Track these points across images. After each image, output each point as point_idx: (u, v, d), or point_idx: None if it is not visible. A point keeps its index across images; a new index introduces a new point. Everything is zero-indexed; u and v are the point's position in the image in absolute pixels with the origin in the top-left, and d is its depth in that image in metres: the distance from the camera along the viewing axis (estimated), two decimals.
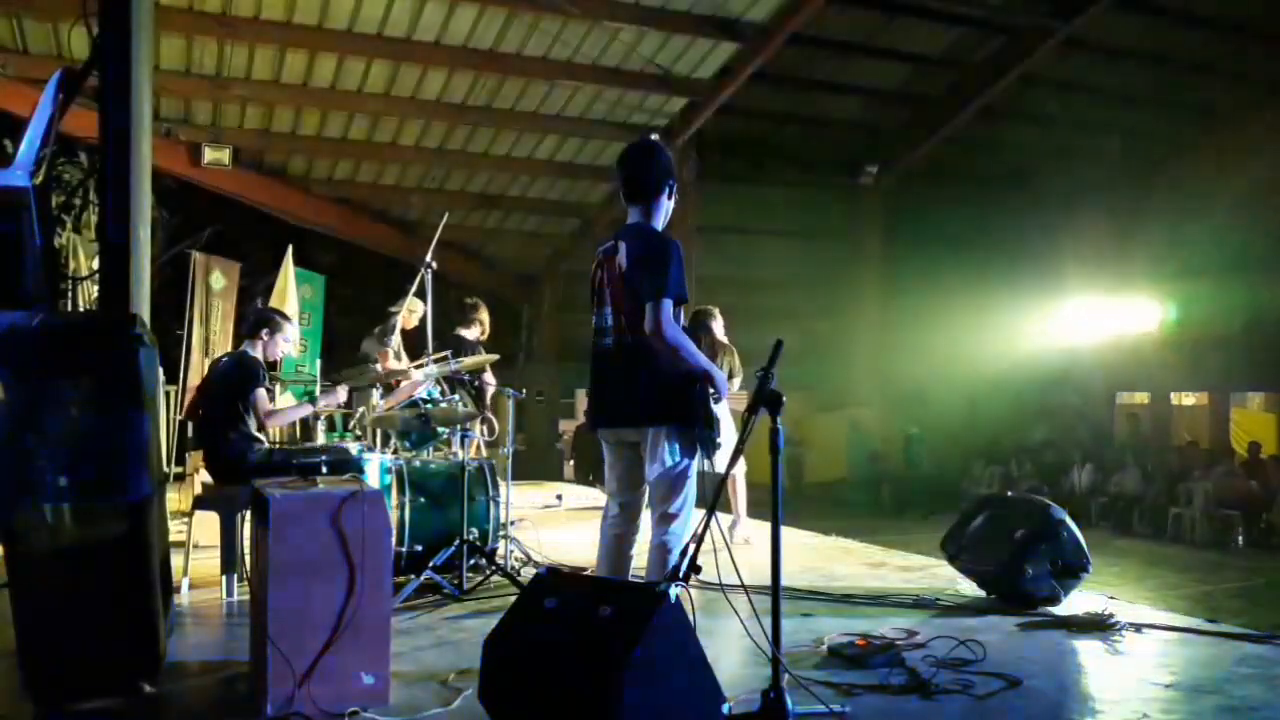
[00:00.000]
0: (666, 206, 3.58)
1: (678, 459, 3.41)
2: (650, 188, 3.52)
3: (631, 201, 3.58)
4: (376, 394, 6.65)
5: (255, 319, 5.24)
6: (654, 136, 3.84)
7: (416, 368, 5.88)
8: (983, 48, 12.87)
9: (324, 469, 4.60)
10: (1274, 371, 15.57)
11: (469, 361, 5.63)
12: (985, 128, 14.37)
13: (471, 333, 7.26)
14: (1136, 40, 12.78)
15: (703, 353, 3.59)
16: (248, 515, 4.17)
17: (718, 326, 6.40)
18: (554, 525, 7.47)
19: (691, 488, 3.47)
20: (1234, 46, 13.28)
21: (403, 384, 5.91)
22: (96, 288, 3.94)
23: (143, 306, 3.86)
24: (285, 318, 5.34)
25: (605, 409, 3.57)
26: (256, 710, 3.05)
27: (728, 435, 5.52)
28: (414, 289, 6.24)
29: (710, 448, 3.40)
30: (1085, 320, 15.83)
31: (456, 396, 6.89)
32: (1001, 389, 16.61)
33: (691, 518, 3.38)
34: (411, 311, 6.90)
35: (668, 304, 3.33)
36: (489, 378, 7.22)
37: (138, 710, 3.16)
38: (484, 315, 7.28)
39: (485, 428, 7.42)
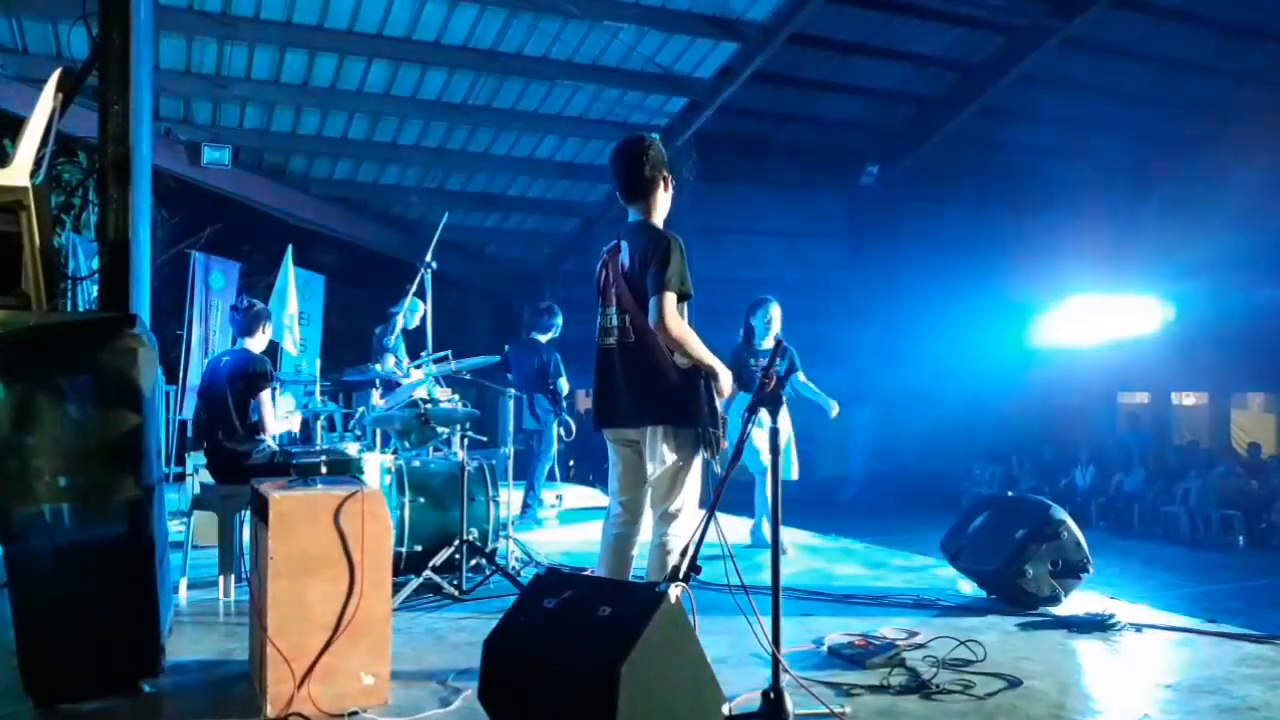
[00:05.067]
0: (664, 200, 3.58)
1: (677, 458, 3.41)
2: (642, 186, 3.53)
3: (628, 201, 3.58)
4: (376, 393, 6.67)
5: (252, 316, 5.23)
6: (654, 136, 3.79)
7: (416, 367, 5.89)
8: (983, 48, 12.86)
9: (323, 469, 4.60)
10: (1274, 372, 15.58)
11: (469, 362, 5.62)
12: (985, 128, 14.36)
13: (547, 335, 7.37)
14: (1136, 40, 12.76)
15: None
16: (247, 515, 4.17)
17: (757, 319, 6.36)
18: (554, 525, 7.46)
19: (693, 487, 3.47)
20: (1234, 46, 13.27)
21: (403, 384, 5.92)
22: (96, 288, 3.93)
23: (142, 306, 3.86)
24: (267, 307, 5.48)
25: (607, 408, 3.56)
26: (256, 710, 3.06)
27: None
28: (414, 289, 6.25)
29: (715, 445, 3.39)
30: (1085, 320, 15.83)
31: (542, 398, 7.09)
32: (1002, 389, 16.61)
33: (693, 517, 3.37)
34: (411, 311, 6.95)
35: (670, 298, 3.32)
36: (564, 382, 7.32)
37: (138, 710, 3.17)
38: (560, 319, 7.43)
39: (563, 430, 7.50)
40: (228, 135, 10.86)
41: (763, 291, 6.69)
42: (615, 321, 3.51)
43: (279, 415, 5.23)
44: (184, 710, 3.26)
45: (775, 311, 6.40)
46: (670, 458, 3.40)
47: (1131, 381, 17.86)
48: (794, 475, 6.31)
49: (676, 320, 3.34)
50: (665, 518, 3.44)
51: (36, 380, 3.12)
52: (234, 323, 5.37)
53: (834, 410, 6.36)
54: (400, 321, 7.14)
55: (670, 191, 3.59)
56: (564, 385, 7.40)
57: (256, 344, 5.19)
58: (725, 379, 3.43)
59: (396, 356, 7.12)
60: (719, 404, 3.45)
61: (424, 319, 6.00)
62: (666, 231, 3.49)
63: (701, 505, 3.43)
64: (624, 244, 3.52)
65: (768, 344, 6.26)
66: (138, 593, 3.23)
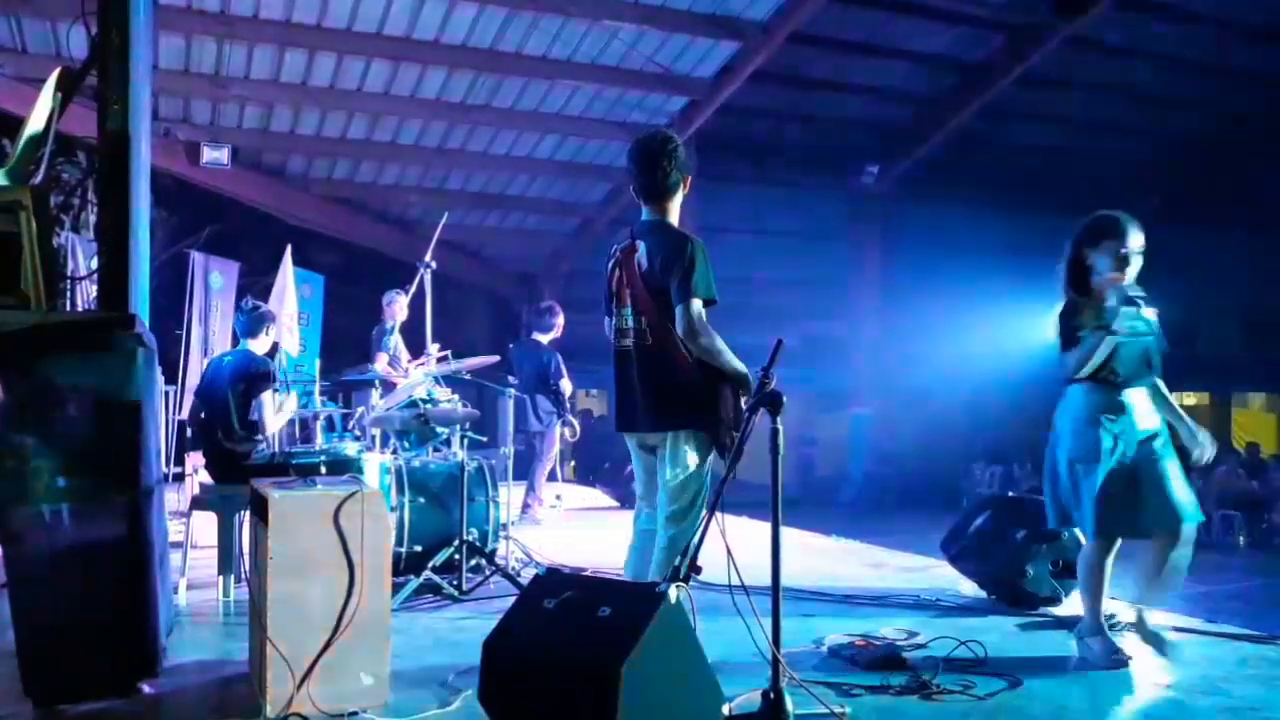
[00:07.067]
0: (680, 201, 3.53)
1: (695, 463, 3.39)
2: (665, 189, 3.46)
3: (645, 200, 3.51)
4: (376, 393, 6.68)
5: (256, 318, 5.23)
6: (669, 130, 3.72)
7: (419, 367, 5.89)
8: (983, 48, 12.87)
9: (323, 469, 4.60)
10: (1274, 372, 15.59)
11: (470, 362, 5.63)
12: (985, 128, 14.36)
13: (548, 336, 7.37)
14: (1137, 40, 12.77)
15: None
16: (246, 515, 4.16)
17: (1100, 251, 3.86)
18: (554, 525, 7.46)
19: (702, 489, 3.44)
20: (1236, 46, 13.28)
21: (401, 384, 5.92)
22: (95, 288, 3.92)
23: (142, 306, 3.85)
24: (272, 309, 5.49)
25: (627, 413, 3.52)
26: (255, 710, 3.05)
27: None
28: (413, 288, 6.25)
29: (731, 447, 3.34)
30: None
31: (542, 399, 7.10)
32: (1002, 389, 16.60)
33: (698, 519, 3.36)
34: (388, 305, 7.09)
35: (698, 305, 3.29)
36: (566, 383, 7.32)
37: (137, 711, 3.16)
38: (560, 319, 7.43)
39: (568, 430, 7.51)
40: (227, 135, 10.86)
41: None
42: (631, 323, 3.44)
43: (284, 411, 5.22)
44: (183, 710, 3.26)
45: (1135, 237, 3.79)
46: (690, 463, 3.38)
47: None
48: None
49: (705, 329, 3.30)
50: (672, 519, 3.41)
51: (36, 380, 3.12)
52: (237, 323, 5.37)
53: (1205, 450, 3.79)
54: (395, 320, 7.16)
55: (686, 191, 3.53)
56: (566, 387, 7.39)
57: (259, 345, 5.19)
58: (751, 385, 3.36)
59: (388, 355, 7.13)
60: (743, 406, 3.38)
61: (418, 312, 6.01)
62: (688, 234, 3.42)
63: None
64: (641, 244, 3.44)
65: (1103, 292, 3.79)
66: (137, 593, 3.22)
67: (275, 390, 5.10)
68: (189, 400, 9.20)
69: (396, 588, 4.33)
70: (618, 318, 3.51)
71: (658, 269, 3.36)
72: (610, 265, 3.57)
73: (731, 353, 3.38)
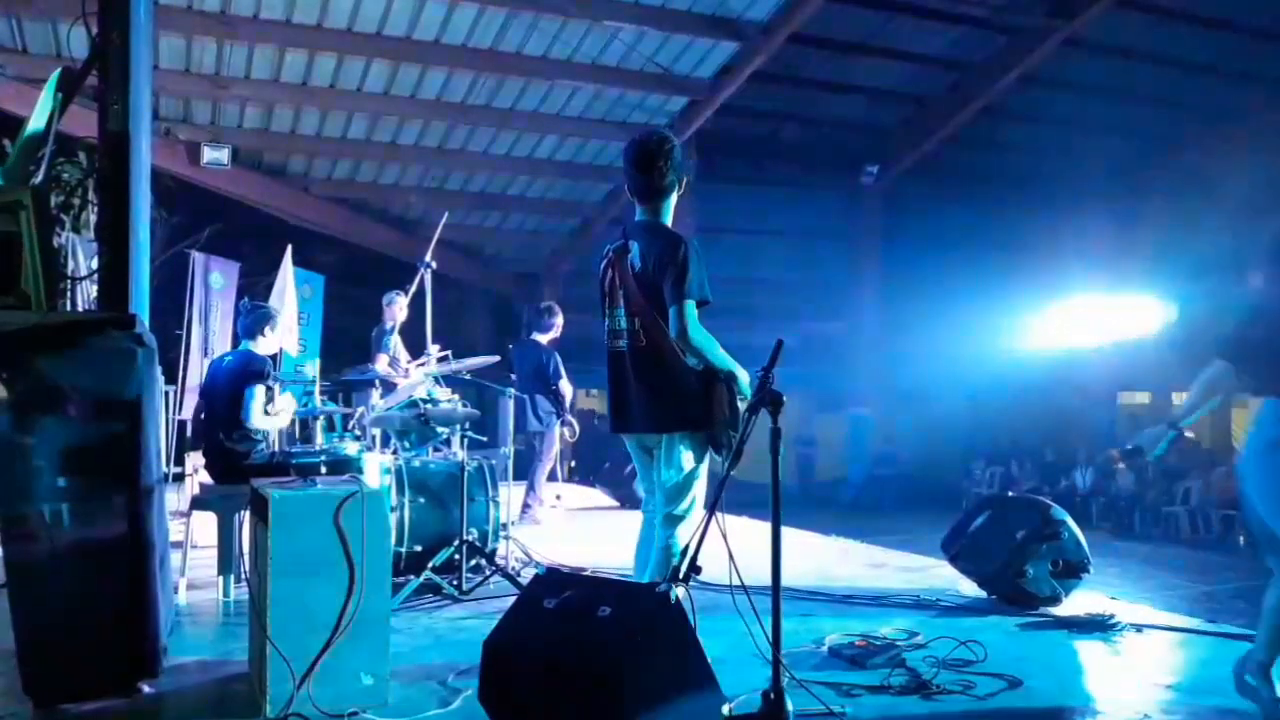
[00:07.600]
0: (675, 201, 3.52)
1: (692, 464, 3.38)
2: (660, 190, 3.44)
3: (640, 201, 3.50)
4: (376, 393, 6.68)
5: (255, 318, 5.23)
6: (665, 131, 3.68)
7: (419, 367, 5.90)
8: (983, 48, 12.87)
9: (323, 469, 4.60)
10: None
11: (470, 362, 5.63)
12: (985, 128, 14.36)
13: (548, 336, 7.37)
14: (1136, 40, 12.77)
15: None
16: (246, 515, 4.16)
17: None
18: (554, 525, 7.46)
19: (700, 490, 3.44)
20: (1234, 46, 13.27)
21: (401, 384, 5.92)
22: (95, 288, 3.92)
23: (142, 306, 3.85)
24: (273, 309, 5.44)
25: (624, 414, 3.50)
26: (256, 710, 3.06)
27: None
28: (414, 288, 6.26)
29: (729, 446, 3.32)
30: (1086, 320, 15.82)
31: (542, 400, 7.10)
32: (1002, 389, 16.61)
33: (699, 519, 3.35)
34: (388, 305, 7.08)
35: (691, 306, 3.28)
36: (566, 384, 7.31)
37: (137, 711, 3.16)
38: (560, 319, 7.41)
39: (567, 430, 7.50)
40: (227, 135, 10.86)
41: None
42: (624, 324, 3.43)
43: (273, 410, 5.21)
44: (184, 710, 3.26)
45: None
46: (687, 464, 3.38)
47: (1132, 381, 17.86)
48: None
49: (699, 331, 3.29)
50: (671, 520, 3.41)
51: (36, 380, 3.12)
52: (239, 325, 5.37)
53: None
54: (395, 320, 7.16)
55: (682, 192, 3.52)
56: (566, 387, 7.38)
57: (260, 345, 5.19)
58: (745, 383, 3.34)
59: (388, 355, 7.13)
60: (739, 405, 3.37)
61: (418, 312, 6.01)
62: (681, 234, 3.41)
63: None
64: (633, 244, 3.43)
65: None
66: (137, 593, 3.22)
67: (269, 388, 5.10)
68: (189, 400, 9.21)
69: (396, 588, 4.33)
70: (610, 319, 3.49)
71: (650, 269, 3.35)
72: (602, 265, 3.55)
73: (725, 352, 3.37)
